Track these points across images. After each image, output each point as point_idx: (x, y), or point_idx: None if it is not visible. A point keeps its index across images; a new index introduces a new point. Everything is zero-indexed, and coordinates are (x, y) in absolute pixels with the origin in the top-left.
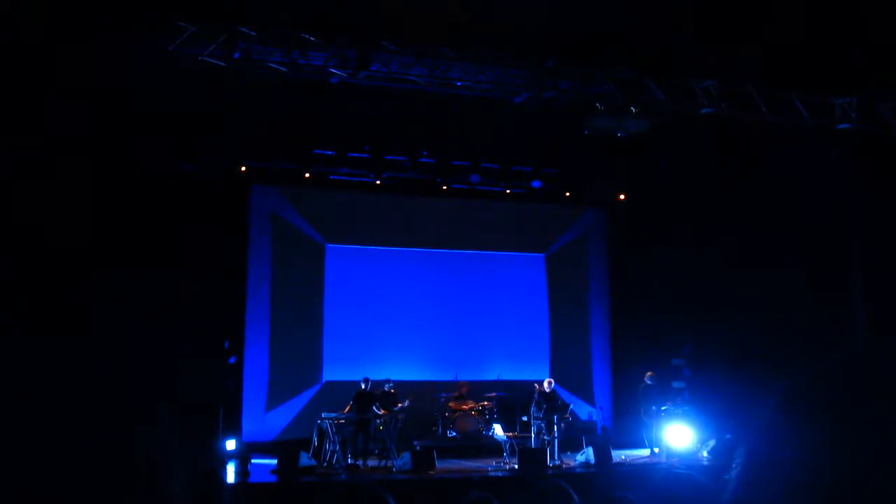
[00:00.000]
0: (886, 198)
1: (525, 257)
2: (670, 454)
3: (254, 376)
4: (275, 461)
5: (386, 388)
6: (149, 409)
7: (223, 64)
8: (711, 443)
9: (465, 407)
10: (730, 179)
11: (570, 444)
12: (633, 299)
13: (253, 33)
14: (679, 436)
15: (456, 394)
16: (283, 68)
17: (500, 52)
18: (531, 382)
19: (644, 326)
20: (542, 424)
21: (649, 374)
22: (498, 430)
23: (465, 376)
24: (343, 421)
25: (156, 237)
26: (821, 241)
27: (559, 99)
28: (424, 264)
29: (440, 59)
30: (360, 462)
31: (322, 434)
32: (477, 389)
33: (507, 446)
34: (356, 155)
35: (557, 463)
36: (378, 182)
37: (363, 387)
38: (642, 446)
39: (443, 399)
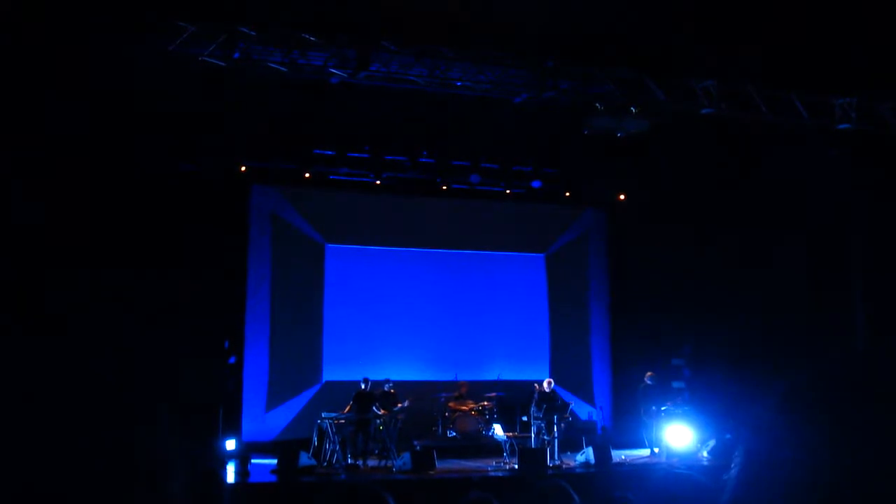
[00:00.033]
0: (886, 198)
1: (525, 257)
2: (670, 454)
3: (254, 376)
4: (275, 461)
5: (386, 388)
6: (149, 409)
7: (223, 64)
8: (711, 443)
9: (465, 407)
10: (730, 179)
11: (570, 444)
12: (633, 299)
13: (253, 33)
14: (679, 436)
15: (456, 394)
16: (283, 68)
17: (500, 52)
18: (531, 382)
19: (644, 326)
20: (542, 424)
21: (649, 374)
22: (498, 430)
23: (465, 376)
24: (343, 421)
25: (156, 237)
26: (821, 241)
27: (559, 99)
28: (424, 264)
29: (440, 59)
30: (360, 462)
31: (322, 434)
32: (477, 389)
33: (507, 446)
34: (356, 155)
35: (557, 463)
36: (378, 182)
37: (363, 387)
38: (642, 446)
39: (443, 399)
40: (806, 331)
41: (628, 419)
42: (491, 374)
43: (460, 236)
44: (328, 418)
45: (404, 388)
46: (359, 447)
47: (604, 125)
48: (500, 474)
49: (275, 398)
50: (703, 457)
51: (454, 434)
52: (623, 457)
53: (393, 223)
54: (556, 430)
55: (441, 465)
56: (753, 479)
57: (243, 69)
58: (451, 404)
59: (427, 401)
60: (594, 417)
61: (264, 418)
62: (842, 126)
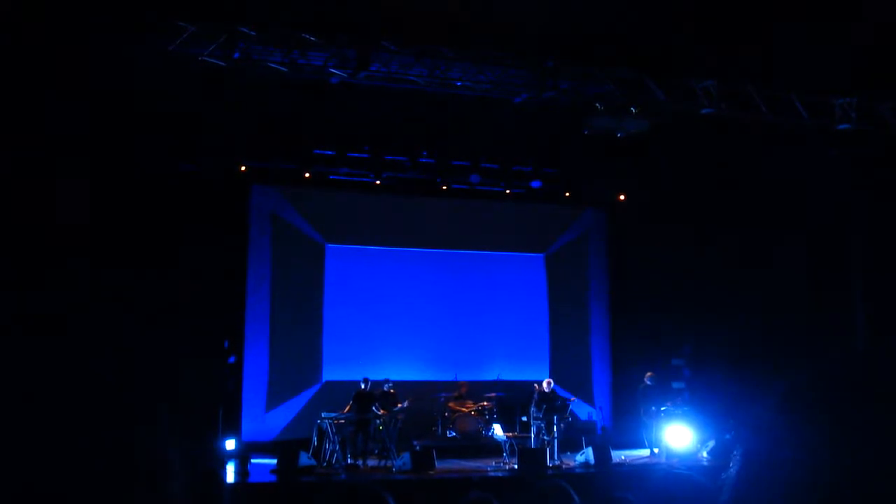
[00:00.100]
0: (886, 198)
1: (525, 257)
2: (670, 454)
3: (253, 376)
4: (274, 461)
5: (385, 388)
6: (149, 409)
7: (223, 64)
8: (711, 443)
9: (464, 407)
10: (730, 179)
11: (570, 444)
12: (633, 299)
13: (253, 33)
14: (679, 436)
15: (456, 394)
16: (283, 68)
17: (500, 52)
18: (531, 383)
19: (644, 326)
20: (542, 425)
21: (649, 374)
22: (497, 430)
23: (465, 376)
24: (343, 421)
25: (156, 237)
26: (821, 241)
27: (559, 99)
28: (424, 264)
29: (440, 59)
30: (359, 462)
31: (322, 434)
32: (476, 389)
33: (507, 446)
34: (356, 155)
35: (557, 463)
36: (378, 182)
37: (363, 387)
38: (642, 447)
39: (442, 399)
40: (806, 331)
41: (628, 419)
42: (491, 375)
43: (460, 236)
44: (328, 418)
45: (404, 388)
46: (358, 447)
47: (604, 125)
48: (499, 474)
49: (275, 398)
50: (702, 457)
51: (454, 434)
52: (623, 457)
53: (393, 223)
54: (555, 430)
55: (441, 465)
56: (753, 479)
57: (243, 69)
58: (450, 404)
59: (427, 401)
60: (594, 417)
61: (264, 418)
62: (842, 126)
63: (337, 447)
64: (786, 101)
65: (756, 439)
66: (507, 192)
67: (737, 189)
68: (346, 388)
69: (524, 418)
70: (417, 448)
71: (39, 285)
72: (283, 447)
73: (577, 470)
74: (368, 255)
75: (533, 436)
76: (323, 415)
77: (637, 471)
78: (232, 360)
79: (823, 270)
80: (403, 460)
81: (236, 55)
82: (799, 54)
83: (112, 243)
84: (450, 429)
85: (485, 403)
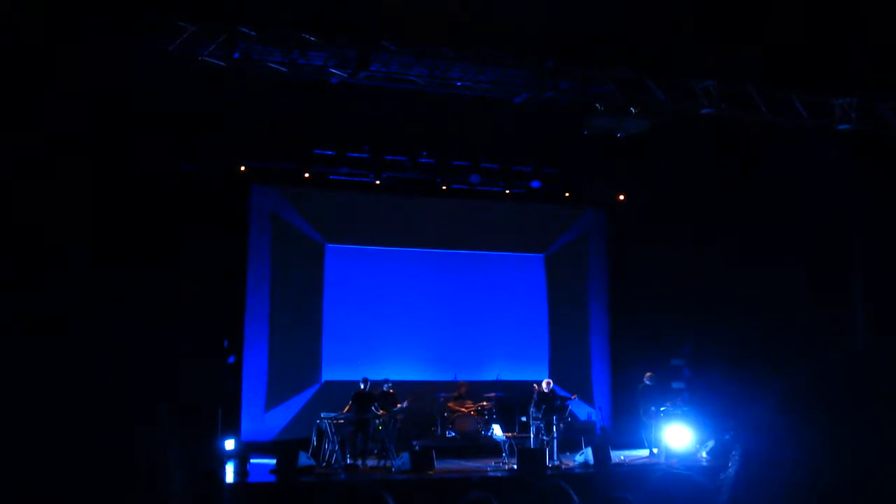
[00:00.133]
0: (886, 198)
1: (524, 257)
2: (669, 455)
3: (253, 376)
4: (274, 461)
5: (385, 388)
6: (149, 409)
7: (223, 64)
8: (710, 443)
9: (464, 407)
10: (730, 179)
11: (570, 444)
12: (633, 299)
13: (253, 33)
14: (678, 436)
15: (455, 394)
16: (283, 68)
17: (500, 52)
18: (530, 383)
19: (644, 326)
20: (542, 425)
21: (649, 374)
22: (497, 430)
23: (465, 376)
24: (342, 421)
25: (156, 237)
26: (821, 241)
27: (559, 99)
28: (424, 264)
29: (440, 59)
30: (359, 462)
31: (321, 434)
32: (476, 389)
33: (507, 446)
34: (356, 155)
35: (556, 463)
36: (378, 182)
37: (362, 387)
38: (641, 447)
39: (442, 399)
40: (806, 331)
41: (628, 419)
42: (490, 375)
43: (460, 236)
44: (327, 418)
45: (403, 388)
46: (358, 447)
47: (604, 125)
48: (499, 474)
49: (274, 398)
50: (702, 457)
51: (453, 434)
52: (622, 457)
53: (393, 223)
54: (555, 430)
55: (440, 465)
56: (753, 479)
57: (243, 69)
58: (450, 404)
59: (426, 401)
60: (593, 418)
61: (263, 418)
62: (842, 126)
63: (336, 447)
64: (786, 101)
65: (756, 439)
66: (507, 192)
67: (737, 189)
68: (345, 388)
69: (523, 418)
70: (417, 448)
71: (39, 285)
72: (283, 447)
73: (577, 470)
74: (368, 255)
75: (532, 436)
76: (322, 415)
77: (636, 471)
78: (231, 359)
79: (823, 270)
80: (403, 460)
81: (236, 55)
82: (799, 54)
83: (112, 243)
84: (449, 429)
85: (484, 403)
